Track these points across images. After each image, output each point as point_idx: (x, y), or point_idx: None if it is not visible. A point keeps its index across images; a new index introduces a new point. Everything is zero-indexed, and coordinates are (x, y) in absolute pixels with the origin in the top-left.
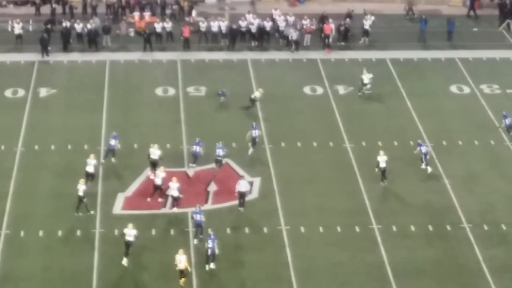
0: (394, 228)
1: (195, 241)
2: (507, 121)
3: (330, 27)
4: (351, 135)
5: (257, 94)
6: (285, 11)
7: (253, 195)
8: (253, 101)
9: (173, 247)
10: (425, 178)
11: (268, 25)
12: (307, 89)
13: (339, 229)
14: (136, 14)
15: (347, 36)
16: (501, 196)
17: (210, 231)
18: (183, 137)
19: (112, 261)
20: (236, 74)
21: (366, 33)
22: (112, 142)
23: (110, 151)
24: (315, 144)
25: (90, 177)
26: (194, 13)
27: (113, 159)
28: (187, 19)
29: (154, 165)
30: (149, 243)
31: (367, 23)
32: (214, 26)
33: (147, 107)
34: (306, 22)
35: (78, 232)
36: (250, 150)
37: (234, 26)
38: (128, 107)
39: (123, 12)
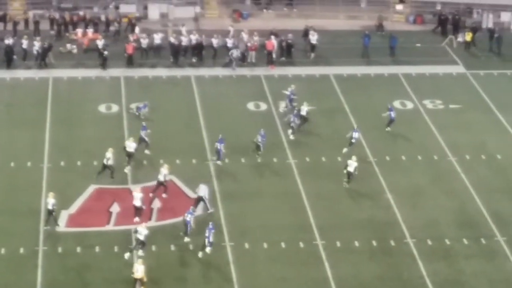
0: (338, 244)
1: (186, 239)
2: (392, 114)
3: (272, 43)
4: (295, 150)
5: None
6: (227, 28)
7: (197, 212)
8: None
9: (118, 265)
10: (369, 193)
11: (215, 41)
12: (251, 105)
13: (283, 245)
14: (79, 31)
15: (290, 52)
16: (444, 211)
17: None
18: None
19: (54, 279)
20: (179, 91)
21: (313, 48)
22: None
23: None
24: (259, 160)
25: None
26: (137, 29)
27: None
28: (130, 36)
29: (129, 157)
30: (92, 260)
31: (314, 38)
32: (157, 38)
33: (90, 124)
34: (256, 38)
35: (22, 250)
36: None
37: (176, 42)
38: (71, 124)
39: (66, 29)
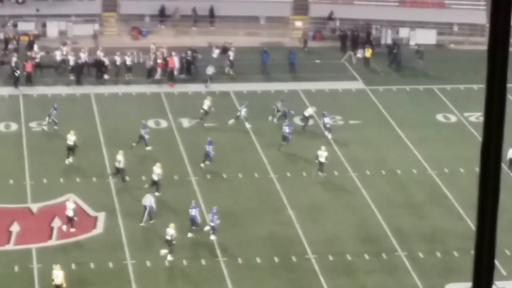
0: (240, 260)
1: (190, 234)
2: (326, 119)
3: (173, 60)
4: (196, 168)
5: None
6: (127, 45)
7: (98, 230)
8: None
9: (18, 284)
10: (270, 210)
11: (118, 59)
12: (151, 123)
13: (185, 262)
14: None
15: (190, 69)
16: (345, 226)
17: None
18: (26, 173)
19: None
20: (79, 109)
21: (232, 64)
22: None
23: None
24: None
25: None
26: (35, 47)
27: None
28: (28, 53)
29: (70, 150)
30: None
31: (232, 54)
32: (57, 55)
33: None
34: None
35: None
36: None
37: (76, 60)
38: None
39: None
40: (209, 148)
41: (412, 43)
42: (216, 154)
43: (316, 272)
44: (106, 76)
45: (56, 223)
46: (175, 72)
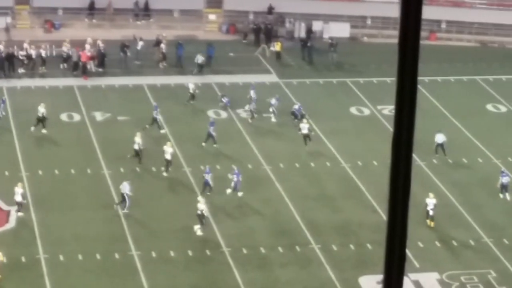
0: (154, 254)
1: (200, 197)
2: (211, 129)
3: (86, 54)
4: (109, 161)
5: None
6: (40, 38)
7: (10, 224)
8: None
9: None
10: (184, 202)
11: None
12: (64, 116)
13: (98, 256)
14: None
15: (103, 62)
16: (259, 219)
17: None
18: None
19: None
20: None
21: (164, 57)
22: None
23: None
24: (73, 171)
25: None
26: None
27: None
28: None
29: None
30: None
31: (164, 47)
32: None
33: None
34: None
35: None
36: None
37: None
38: None
39: None
40: (211, 129)
41: (325, 36)
42: (127, 148)
43: (230, 265)
44: (21, 70)
45: None
46: (89, 66)
